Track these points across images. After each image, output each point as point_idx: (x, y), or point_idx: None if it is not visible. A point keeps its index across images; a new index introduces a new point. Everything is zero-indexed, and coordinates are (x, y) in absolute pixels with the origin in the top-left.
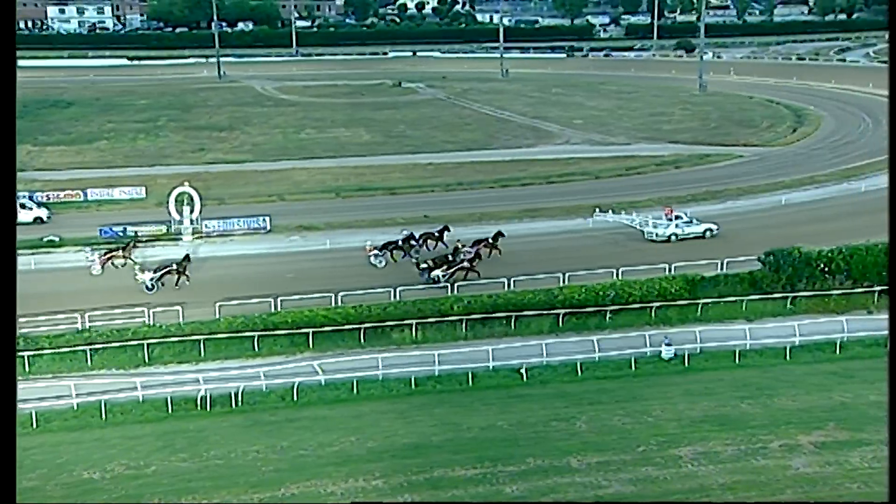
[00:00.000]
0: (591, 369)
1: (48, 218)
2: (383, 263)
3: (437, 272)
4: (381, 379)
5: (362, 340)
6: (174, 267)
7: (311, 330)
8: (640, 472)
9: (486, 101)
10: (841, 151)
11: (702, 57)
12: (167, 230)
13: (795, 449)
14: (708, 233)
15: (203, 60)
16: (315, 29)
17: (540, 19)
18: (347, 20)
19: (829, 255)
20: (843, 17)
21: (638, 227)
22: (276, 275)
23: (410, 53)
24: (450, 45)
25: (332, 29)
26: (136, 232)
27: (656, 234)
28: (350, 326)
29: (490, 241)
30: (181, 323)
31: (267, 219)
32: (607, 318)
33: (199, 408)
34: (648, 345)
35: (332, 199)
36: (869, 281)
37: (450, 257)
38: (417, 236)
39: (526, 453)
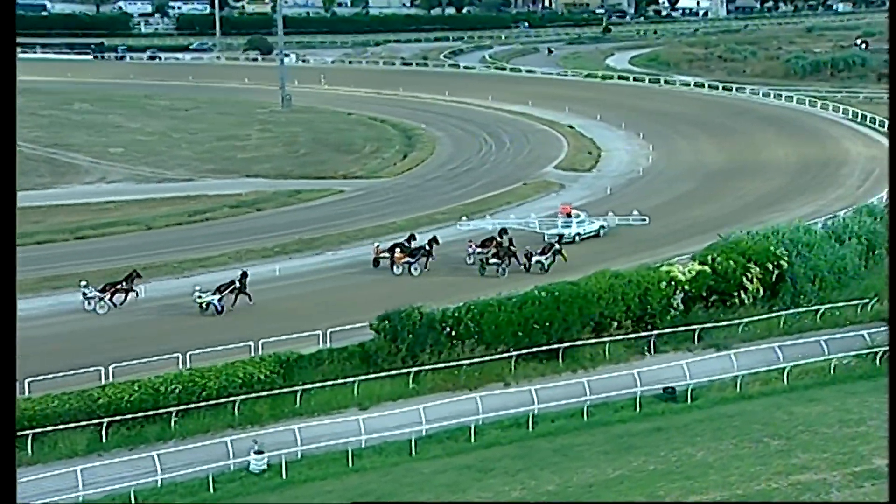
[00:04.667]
0: (151, 498)
1: None
2: (418, 271)
3: (539, 258)
4: None
5: None
6: (236, 285)
7: None
8: None
9: None
10: (461, 181)
11: (282, 61)
12: None
13: None
14: (601, 230)
15: None
16: None
17: (49, 4)
18: None
19: (457, 314)
20: (451, 11)
21: (538, 230)
22: None
23: None
24: None
25: None
26: None
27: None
28: None
29: (499, 237)
30: None
31: None
32: (173, 424)
33: None
34: (232, 455)
35: None
36: (504, 344)
37: (511, 248)
38: (387, 248)
39: None
